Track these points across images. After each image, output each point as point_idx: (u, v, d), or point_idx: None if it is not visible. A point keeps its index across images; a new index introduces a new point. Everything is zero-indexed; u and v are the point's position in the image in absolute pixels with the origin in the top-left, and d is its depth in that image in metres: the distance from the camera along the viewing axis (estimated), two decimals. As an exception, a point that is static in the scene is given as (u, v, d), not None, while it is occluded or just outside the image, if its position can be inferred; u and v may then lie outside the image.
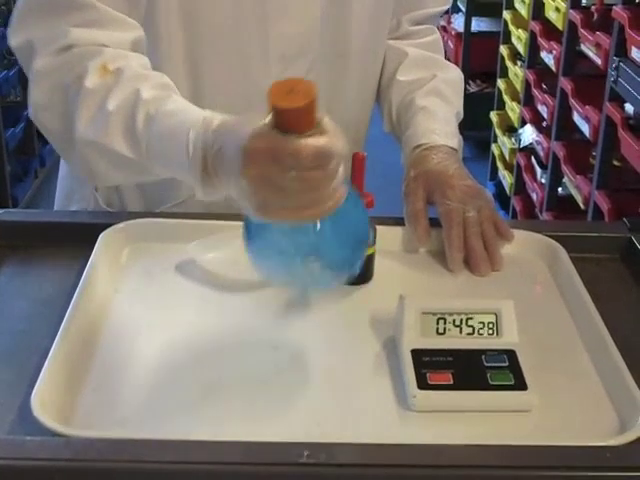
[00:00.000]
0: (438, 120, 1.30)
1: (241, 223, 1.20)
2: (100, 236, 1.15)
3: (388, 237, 1.15)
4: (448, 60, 1.46)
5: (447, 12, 5.16)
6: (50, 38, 1.10)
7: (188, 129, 0.98)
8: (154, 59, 1.19)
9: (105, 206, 1.35)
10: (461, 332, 0.96)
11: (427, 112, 1.31)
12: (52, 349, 0.94)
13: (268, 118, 0.85)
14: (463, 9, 4.57)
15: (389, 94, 1.38)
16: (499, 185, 3.92)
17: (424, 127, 1.29)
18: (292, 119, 0.83)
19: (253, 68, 1.25)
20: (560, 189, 3.06)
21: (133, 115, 1.03)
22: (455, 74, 1.42)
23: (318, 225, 0.90)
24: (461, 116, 1.38)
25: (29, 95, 1.12)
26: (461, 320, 0.96)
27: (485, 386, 0.92)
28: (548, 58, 3.09)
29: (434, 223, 1.20)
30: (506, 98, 3.76)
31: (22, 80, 3.92)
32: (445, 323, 0.96)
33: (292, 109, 0.83)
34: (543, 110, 3.17)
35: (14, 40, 1.15)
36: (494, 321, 0.97)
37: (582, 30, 2.70)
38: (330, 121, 0.87)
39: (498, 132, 3.89)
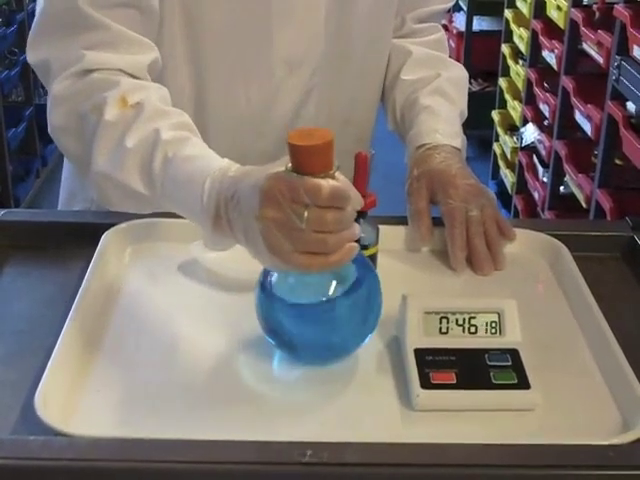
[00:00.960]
0: (442, 120, 1.30)
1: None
2: (103, 236, 1.16)
3: (391, 236, 1.15)
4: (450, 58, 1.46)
5: (449, 11, 5.14)
6: (66, 61, 1.11)
7: (205, 178, 0.98)
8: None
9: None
10: (464, 331, 0.96)
11: (431, 112, 1.31)
12: (55, 349, 0.94)
13: (287, 165, 0.89)
14: (464, 8, 4.57)
15: (393, 93, 1.38)
16: (501, 184, 3.92)
17: (427, 126, 1.29)
18: (309, 158, 0.87)
19: (256, 73, 1.25)
20: (562, 188, 3.05)
21: (151, 155, 1.03)
22: (459, 73, 1.42)
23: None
24: (465, 115, 1.38)
25: (48, 115, 1.14)
26: (464, 319, 0.96)
27: (488, 385, 0.92)
28: (550, 57, 3.09)
29: (437, 222, 1.20)
30: (508, 97, 3.76)
31: (24, 80, 3.92)
32: (448, 322, 0.96)
33: (309, 146, 0.87)
34: (545, 109, 3.16)
35: (31, 57, 1.16)
36: (497, 320, 0.97)
37: (584, 29, 2.70)
38: (342, 175, 0.89)
39: (500, 131, 3.89)
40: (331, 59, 1.29)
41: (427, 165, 1.23)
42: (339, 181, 0.88)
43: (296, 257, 0.88)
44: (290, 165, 0.89)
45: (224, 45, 1.22)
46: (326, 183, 0.86)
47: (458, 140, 1.30)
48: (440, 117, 1.31)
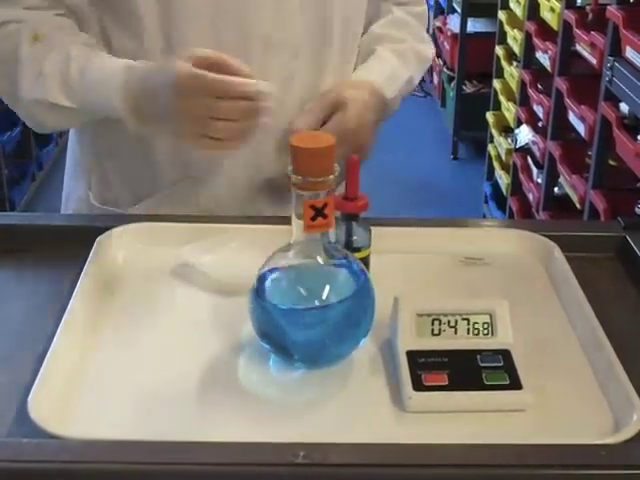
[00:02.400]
0: (385, 69, 1.35)
1: (236, 226, 1.21)
2: (97, 240, 1.16)
3: (383, 239, 1.15)
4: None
5: (443, 13, 5.16)
6: None
7: (118, 77, 1.18)
8: (132, 41, 1.24)
9: (97, 203, 1.37)
10: (456, 333, 0.97)
11: (380, 60, 1.36)
12: (49, 352, 0.94)
13: (288, 166, 0.92)
14: (458, 10, 4.58)
15: (361, 42, 1.41)
16: (496, 185, 3.92)
17: (369, 67, 1.35)
18: (310, 161, 0.90)
19: (233, 53, 1.23)
20: (556, 189, 3.06)
21: (66, 71, 1.21)
22: (427, 50, 1.46)
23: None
24: (414, 85, 1.43)
25: None
26: (456, 321, 0.97)
27: (480, 386, 0.93)
28: (543, 58, 3.10)
29: (433, 224, 1.20)
30: (502, 98, 3.76)
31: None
32: (440, 324, 0.97)
33: (310, 149, 0.90)
34: (539, 110, 3.17)
35: None
36: (489, 321, 0.97)
37: (577, 30, 2.70)
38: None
39: (494, 132, 3.90)
40: (311, 43, 1.30)
41: (343, 89, 1.28)
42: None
43: (204, 141, 1.12)
44: (291, 167, 0.90)
45: (200, 24, 1.23)
46: (236, 78, 1.07)
47: (389, 91, 1.34)
48: (385, 67, 1.35)
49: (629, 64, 2.29)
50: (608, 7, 2.41)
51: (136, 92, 1.17)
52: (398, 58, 1.38)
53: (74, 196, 1.42)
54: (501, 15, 3.75)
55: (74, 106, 1.22)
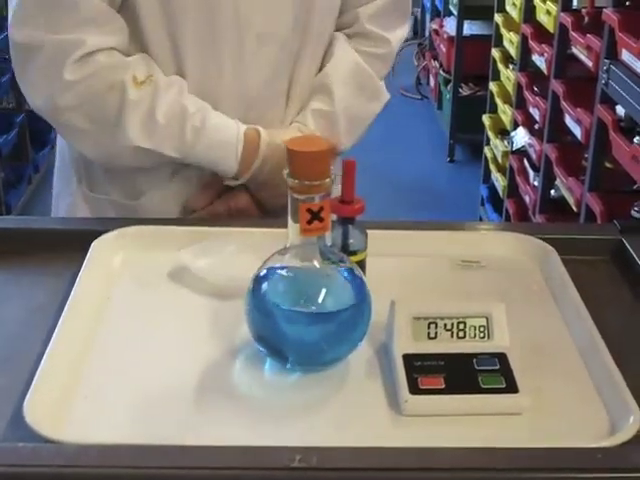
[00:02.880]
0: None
1: (233, 229, 1.21)
2: (93, 243, 1.16)
3: (379, 242, 1.15)
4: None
5: (439, 16, 5.17)
6: (64, 46, 1.23)
7: (236, 143, 1.29)
8: (139, 41, 1.27)
9: (89, 191, 1.40)
10: (452, 336, 0.97)
11: (297, 130, 1.37)
12: (45, 356, 0.94)
13: (284, 171, 0.93)
14: (455, 12, 4.58)
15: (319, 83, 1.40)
16: (492, 188, 3.92)
17: (285, 132, 1.34)
18: (306, 165, 0.91)
19: (228, 46, 1.29)
20: (552, 191, 3.06)
21: (182, 127, 1.27)
22: (372, 108, 1.45)
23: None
24: (344, 145, 1.42)
25: (49, 97, 1.25)
26: (452, 324, 0.97)
27: (476, 390, 0.93)
28: (539, 61, 3.10)
29: (429, 227, 1.20)
30: (498, 101, 3.77)
31: (15, 86, 3.92)
32: (436, 327, 0.97)
33: (306, 153, 0.90)
34: (535, 113, 3.17)
35: (18, 36, 1.26)
36: (485, 324, 0.97)
37: (573, 33, 2.71)
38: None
39: (491, 135, 3.90)
40: (296, 32, 1.33)
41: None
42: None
43: None
44: (287, 171, 0.90)
45: (197, 18, 1.26)
46: None
47: None
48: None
49: (625, 67, 2.29)
50: (604, 10, 2.41)
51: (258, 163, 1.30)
52: (319, 125, 1.38)
53: (64, 193, 1.44)
54: (497, 18, 3.75)
55: (180, 158, 1.29)
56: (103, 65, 1.25)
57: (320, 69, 1.41)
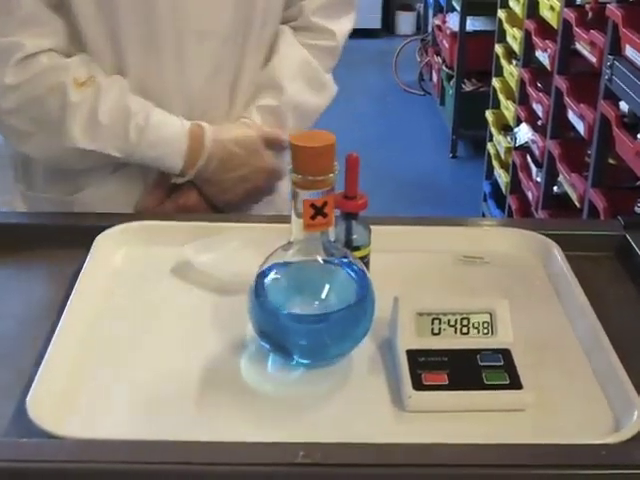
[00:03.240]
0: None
1: (236, 224, 1.21)
2: (96, 239, 1.16)
3: (383, 237, 1.15)
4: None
5: (442, 11, 5.16)
6: (4, 51, 1.23)
7: (181, 140, 1.30)
8: (79, 41, 1.27)
9: (26, 189, 1.41)
10: (456, 332, 0.97)
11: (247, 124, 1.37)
12: (47, 352, 0.94)
13: (287, 165, 0.92)
14: (458, 8, 4.57)
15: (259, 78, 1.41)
16: (495, 184, 3.92)
17: (232, 128, 1.36)
18: (310, 160, 0.90)
19: (169, 43, 1.29)
20: (555, 187, 3.05)
21: (125, 126, 1.27)
22: (319, 102, 1.45)
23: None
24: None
25: None
26: (456, 320, 0.97)
27: (480, 386, 0.92)
28: (543, 57, 3.09)
29: (430, 222, 1.20)
30: (501, 97, 3.76)
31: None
32: (440, 323, 0.97)
33: (310, 148, 0.89)
34: (538, 109, 3.17)
35: None
36: (489, 320, 0.97)
37: (576, 28, 2.70)
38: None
39: (494, 131, 3.89)
40: (237, 28, 1.33)
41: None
42: None
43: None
44: (290, 166, 0.90)
45: (135, 16, 1.26)
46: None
47: None
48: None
49: (629, 62, 2.29)
50: (608, 5, 2.41)
51: (205, 160, 1.31)
52: (266, 121, 1.38)
53: (2, 191, 1.47)
54: (500, 13, 3.75)
55: (125, 157, 1.29)
56: (43, 67, 1.25)
57: (266, 63, 1.40)
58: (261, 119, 1.37)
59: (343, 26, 1.46)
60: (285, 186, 1.38)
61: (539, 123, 3.25)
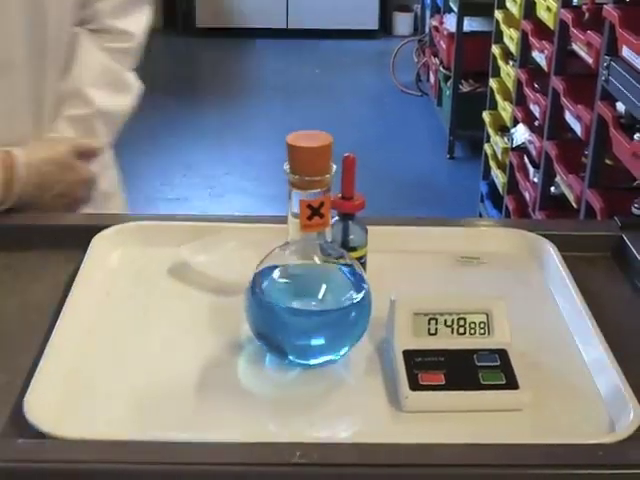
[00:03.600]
0: None
1: (233, 225, 1.21)
2: (93, 239, 1.16)
3: (379, 238, 1.15)
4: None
5: (439, 12, 5.16)
6: None
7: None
8: None
9: None
10: (453, 332, 0.97)
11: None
12: (45, 352, 0.94)
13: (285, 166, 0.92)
14: (455, 9, 4.57)
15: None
16: (492, 184, 3.92)
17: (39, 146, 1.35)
18: (307, 160, 0.90)
19: None
20: (552, 188, 3.05)
21: None
22: (122, 103, 1.45)
23: None
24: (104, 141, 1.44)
25: None
26: (453, 320, 0.97)
27: (477, 386, 0.93)
28: (540, 57, 3.09)
29: (429, 223, 1.20)
30: (498, 98, 3.76)
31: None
32: (437, 323, 0.97)
33: (308, 148, 0.90)
34: (535, 109, 3.17)
35: None
36: (486, 321, 0.97)
37: (573, 29, 2.70)
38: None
39: (491, 131, 3.89)
40: (32, 53, 1.31)
41: None
42: None
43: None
44: (288, 167, 0.90)
45: None
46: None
47: None
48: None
49: (625, 63, 2.29)
50: (604, 6, 2.41)
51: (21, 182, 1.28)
52: (76, 131, 1.39)
53: None
54: (497, 14, 3.75)
55: None
56: None
57: (67, 71, 1.39)
58: (70, 130, 1.38)
59: (139, 24, 1.46)
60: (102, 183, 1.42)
61: (536, 124, 3.25)
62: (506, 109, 3.62)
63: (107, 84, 1.42)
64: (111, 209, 1.47)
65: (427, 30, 5.67)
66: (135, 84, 1.48)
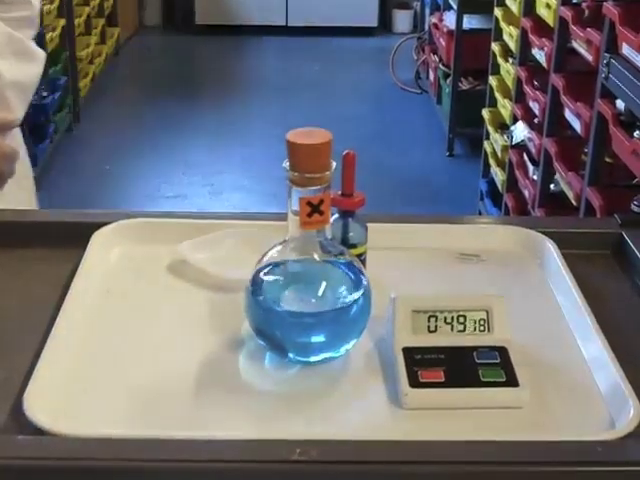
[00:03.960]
0: None
1: (233, 222, 1.21)
2: (93, 236, 1.16)
3: (379, 235, 1.15)
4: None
5: (439, 9, 5.16)
6: None
7: None
8: None
9: None
10: (452, 329, 0.97)
11: None
12: (44, 349, 0.94)
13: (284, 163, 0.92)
14: (454, 6, 4.57)
15: None
16: (491, 182, 3.92)
17: None
18: (308, 157, 0.90)
19: None
20: (552, 186, 3.06)
21: None
22: (35, 71, 1.44)
23: None
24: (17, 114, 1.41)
25: None
26: (452, 317, 0.97)
27: (477, 383, 0.93)
28: (539, 55, 3.09)
29: (425, 220, 1.20)
30: (498, 95, 3.76)
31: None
32: (436, 321, 0.97)
33: (308, 145, 0.90)
34: (535, 107, 3.17)
35: None
36: (485, 318, 0.97)
37: (573, 27, 2.70)
38: None
39: (490, 129, 3.89)
40: None
41: None
42: None
43: None
44: (288, 164, 0.90)
45: None
46: None
47: None
48: None
49: (625, 61, 2.29)
50: (604, 3, 2.41)
51: None
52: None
53: None
54: (497, 12, 3.75)
55: None
56: None
57: None
58: None
59: None
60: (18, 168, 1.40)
61: (535, 121, 3.25)
62: (506, 106, 3.62)
63: (13, 54, 1.40)
64: (23, 189, 1.46)
65: (427, 27, 5.67)
66: (40, 51, 1.47)
